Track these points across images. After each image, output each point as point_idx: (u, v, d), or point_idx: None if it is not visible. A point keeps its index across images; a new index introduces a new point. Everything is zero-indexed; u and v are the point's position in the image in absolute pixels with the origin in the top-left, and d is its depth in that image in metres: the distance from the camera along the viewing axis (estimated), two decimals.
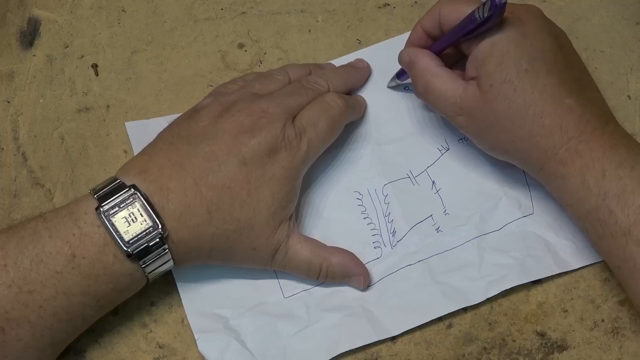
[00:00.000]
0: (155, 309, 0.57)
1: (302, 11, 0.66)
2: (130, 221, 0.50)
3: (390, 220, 0.59)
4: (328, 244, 0.57)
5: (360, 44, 0.65)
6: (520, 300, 0.57)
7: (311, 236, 0.58)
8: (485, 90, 0.53)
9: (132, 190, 0.51)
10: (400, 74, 0.61)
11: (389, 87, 0.63)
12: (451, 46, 0.56)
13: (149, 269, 0.52)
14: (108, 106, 0.63)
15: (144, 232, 0.50)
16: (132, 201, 0.51)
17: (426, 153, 0.61)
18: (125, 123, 0.62)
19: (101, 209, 0.50)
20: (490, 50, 0.53)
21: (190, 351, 0.56)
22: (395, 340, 0.56)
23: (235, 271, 0.57)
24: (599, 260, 0.57)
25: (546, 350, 0.56)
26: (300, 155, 0.55)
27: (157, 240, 0.51)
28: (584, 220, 0.53)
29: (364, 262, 0.58)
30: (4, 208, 0.60)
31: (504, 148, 0.55)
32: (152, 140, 0.56)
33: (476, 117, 0.54)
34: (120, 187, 0.51)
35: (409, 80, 0.60)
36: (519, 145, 0.53)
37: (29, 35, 0.65)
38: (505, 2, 0.50)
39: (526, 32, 0.53)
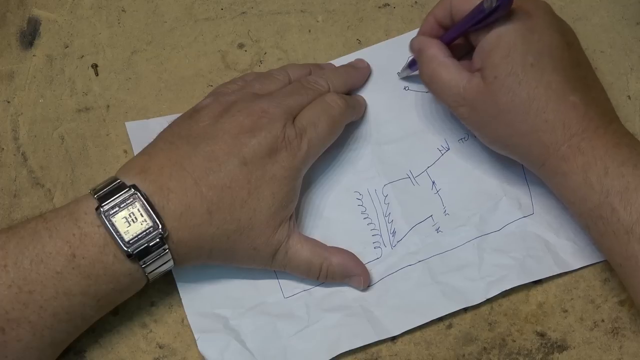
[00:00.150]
0: (155, 309, 0.57)
1: (302, 11, 0.66)
2: (131, 221, 0.50)
3: (390, 221, 0.59)
4: (328, 244, 0.57)
5: (360, 44, 0.65)
6: (520, 300, 0.57)
7: (311, 236, 0.58)
8: (490, 81, 0.53)
9: (132, 190, 0.51)
10: (411, 64, 0.61)
11: (400, 77, 0.63)
12: (461, 37, 0.56)
13: (149, 269, 0.52)
14: (108, 106, 0.63)
15: (144, 232, 0.50)
16: (132, 201, 0.51)
17: (426, 153, 0.61)
18: (125, 123, 0.62)
19: (101, 209, 0.50)
20: (496, 42, 0.53)
21: (190, 351, 0.56)
22: (395, 340, 0.56)
23: (235, 271, 0.57)
24: (599, 260, 0.57)
25: (546, 350, 0.56)
26: (301, 155, 0.55)
27: (157, 240, 0.51)
28: (585, 218, 0.52)
29: (364, 262, 0.58)
30: (4, 208, 0.60)
31: (504, 142, 0.55)
32: (152, 140, 0.56)
33: (478, 109, 0.54)
34: (121, 187, 0.51)
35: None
36: (520, 140, 0.53)
37: (29, 35, 0.65)
38: None
39: (534, 26, 0.53)
